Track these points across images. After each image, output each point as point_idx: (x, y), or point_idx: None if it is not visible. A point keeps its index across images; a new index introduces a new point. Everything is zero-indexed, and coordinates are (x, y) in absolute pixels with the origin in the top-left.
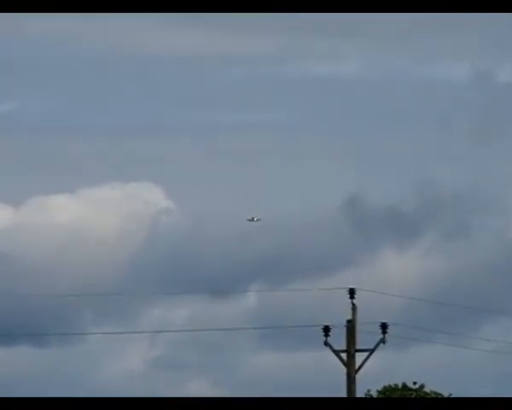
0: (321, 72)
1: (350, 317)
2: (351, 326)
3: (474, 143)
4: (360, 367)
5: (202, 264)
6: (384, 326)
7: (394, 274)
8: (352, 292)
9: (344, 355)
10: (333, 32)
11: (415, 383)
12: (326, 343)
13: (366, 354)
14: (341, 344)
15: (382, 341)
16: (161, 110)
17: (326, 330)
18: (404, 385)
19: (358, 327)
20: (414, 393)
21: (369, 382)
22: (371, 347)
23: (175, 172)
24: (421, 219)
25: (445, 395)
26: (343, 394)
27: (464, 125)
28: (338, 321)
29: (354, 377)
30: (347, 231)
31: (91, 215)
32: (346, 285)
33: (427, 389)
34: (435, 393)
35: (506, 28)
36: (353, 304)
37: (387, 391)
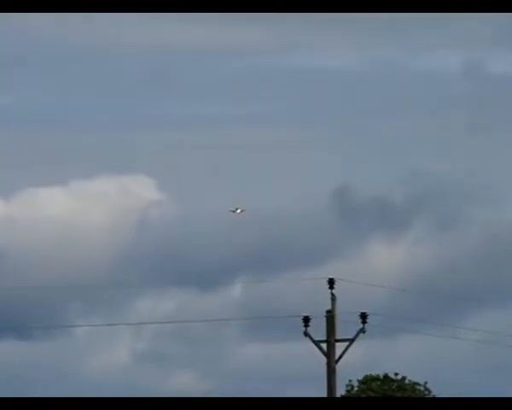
0: (310, 63)
1: (330, 307)
2: (330, 316)
3: (464, 134)
4: (340, 357)
5: (190, 256)
6: (364, 316)
7: (382, 265)
8: (331, 282)
9: (324, 346)
10: (325, 23)
11: (396, 374)
12: (306, 334)
13: (348, 344)
14: (324, 334)
15: (362, 330)
16: (153, 103)
17: (306, 320)
18: (386, 376)
19: (340, 317)
20: (395, 384)
21: (350, 372)
22: (353, 337)
23: (166, 165)
24: (409, 210)
25: (422, 382)
26: (324, 383)
27: (454, 116)
28: (321, 312)
29: (334, 368)
30: (335, 223)
31: (82, 208)
32: (332, 276)
33: (406, 380)
34: (414, 383)
35: (497, 19)
36: (332, 294)
37: (368, 381)
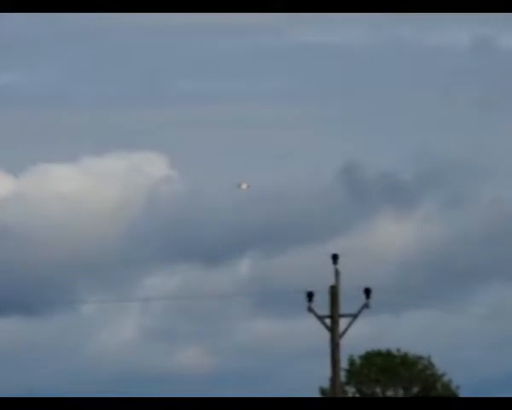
0: (319, 39)
1: (335, 283)
2: (334, 292)
3: (474, 111)
4: (344, 333)
5: (198, 233)
6: (367, 291)
7: (390, 242)
8: (335, 258)
9: (328, 321)
10: None
11: (398, 350)
12: (310, 309)
13: (354, 320)
14: (328, 310)
15: (366, 306)
16: (164, 80)
17: (309, 296)
18: (389, 352)
19: (345, 293)
20: (398, 359)
21: (355, 347)
22: (359, 313)
23: (176, 142)
24: (418, 187)
25: (425, 356)
26: (328, 359)
27: (464, 92)
28: (326, 288)
29: (338, 343)
30: (343, 199)
31: (92, 185)
32: (338, 252)
33: (412, 356)
34: (417, 357)
35: None
36: (336, 270)
37: (371, 356)
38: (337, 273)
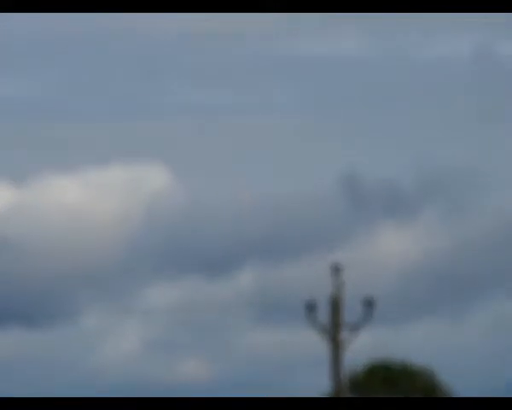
0: (318, 50)
1: (336, 293)
2: (336, 302)
3: (475, 120)
4: (346, 343)
5: (199, 244)
6: (370, 302)
7: (391, 251)
8: (336, 268)
9: (330, 332)
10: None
11: (399, 361)
12: (311, 320)
13: (355, 331)
14: (330, 321)
15: (368, 316)
16: (161, 90)
17: (312, 306)
18: (390, 363)
19: (347, 304)
20: (399, 370)
21: (357, 358)
22: (360, 324)
23: (175, 153)
24: (419, 197)
25: (427, 367)
26: (328, 370)
27: (465, 101)
28: (328, 298)
29: (339, 354)
30: (344, 209)
31: (94, 196)
32: (341, 262)
33: (413, 367)
34: (419, 367)
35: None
36: (338, 280)
37: (373, 368)
38: (339, 284)
